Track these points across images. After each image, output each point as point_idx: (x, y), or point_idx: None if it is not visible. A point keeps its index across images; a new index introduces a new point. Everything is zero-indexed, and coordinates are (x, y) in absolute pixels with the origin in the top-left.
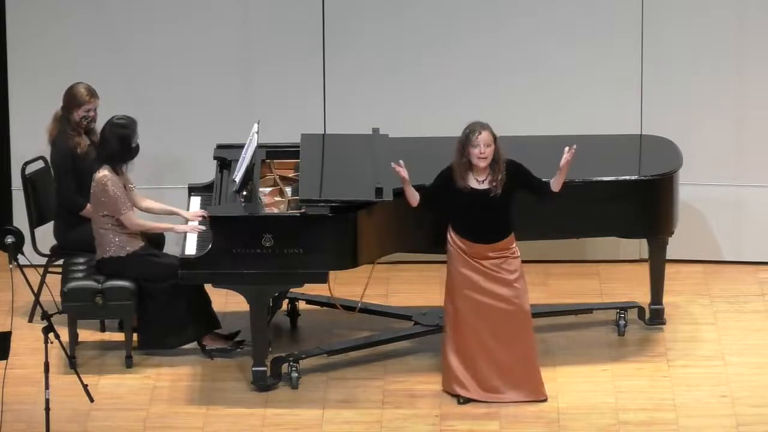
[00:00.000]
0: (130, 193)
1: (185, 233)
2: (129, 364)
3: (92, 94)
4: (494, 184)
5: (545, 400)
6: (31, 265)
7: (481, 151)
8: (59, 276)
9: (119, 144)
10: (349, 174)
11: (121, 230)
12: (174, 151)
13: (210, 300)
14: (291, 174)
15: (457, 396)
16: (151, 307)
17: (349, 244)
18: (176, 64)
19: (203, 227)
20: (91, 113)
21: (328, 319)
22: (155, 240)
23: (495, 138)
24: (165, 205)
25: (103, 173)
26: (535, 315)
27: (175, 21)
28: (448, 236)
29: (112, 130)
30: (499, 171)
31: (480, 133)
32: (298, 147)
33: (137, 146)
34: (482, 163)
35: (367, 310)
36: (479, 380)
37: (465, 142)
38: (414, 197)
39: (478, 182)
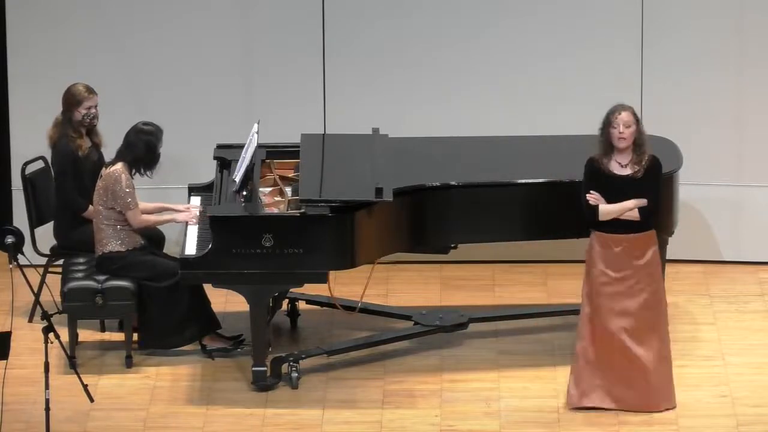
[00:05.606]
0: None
1: (186, 222)
2: (129, 364)
3: (90, 91)
4: (637, 168)
5: (673, 408)
6: (31, 265)
7: (620, 131)
8: (59, 276)
9: (145, 149)
10: (349, 174)
11: (123, 226)
12: (174, 151)
13: (209, 300)
14: (291, 174)
15: (582, 408)
16: (151, 307)
17: (348, 244)
18: (176, 64)
19: (201, 207)
20: (93, 110)
21: (328, 319)
22: (155, 240)
23: (638, 121)
24: (157, 204)
25: (118, 167)
26: (536, 315)
27: (175, 21)
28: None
29: (139, 136)
30: (644, 155)
31: (620, 113)
32: (298, 147)
33: (159, 154)
34: (622, 144)
35: (367, 310)
36: (608, 387)
37: (606, 122)
38: None
39: (620, 166)
